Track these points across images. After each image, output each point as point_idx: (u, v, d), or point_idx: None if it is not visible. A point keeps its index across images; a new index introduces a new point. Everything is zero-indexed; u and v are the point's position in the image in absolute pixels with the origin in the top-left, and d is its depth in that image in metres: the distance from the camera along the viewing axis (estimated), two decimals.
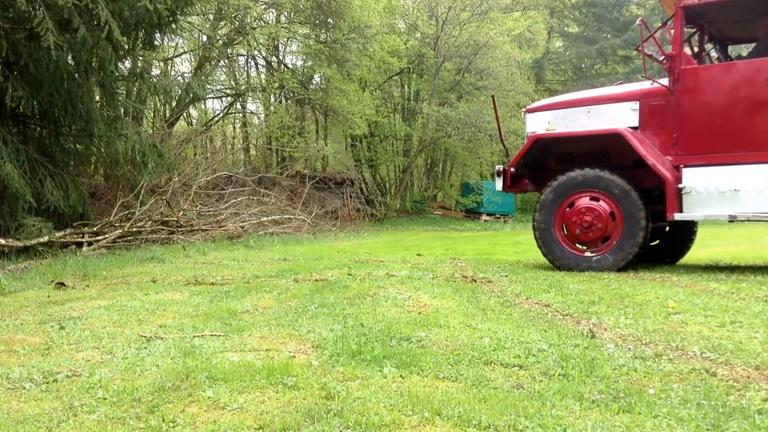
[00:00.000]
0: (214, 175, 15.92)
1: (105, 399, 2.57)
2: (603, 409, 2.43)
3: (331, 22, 20.16)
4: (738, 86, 5.72)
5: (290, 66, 22.97)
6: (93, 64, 9.05)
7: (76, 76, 9.14)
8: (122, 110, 12.04)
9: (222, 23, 18.80)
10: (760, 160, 5.50)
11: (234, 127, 24.08)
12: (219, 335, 3.61)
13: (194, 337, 3.57)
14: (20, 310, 4.51)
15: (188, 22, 16.12)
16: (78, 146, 10.79)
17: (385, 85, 25.28)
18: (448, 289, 4.93)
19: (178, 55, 19.74)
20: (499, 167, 6.94)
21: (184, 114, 20.12)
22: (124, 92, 12.57)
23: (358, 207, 21.44)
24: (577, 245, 6.25)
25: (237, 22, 18.23)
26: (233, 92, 21.17)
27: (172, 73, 19.35)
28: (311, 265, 6.82)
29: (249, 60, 22.22)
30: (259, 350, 3.27)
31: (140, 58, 13.18)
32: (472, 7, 23.35)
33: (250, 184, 16.53)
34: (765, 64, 5.64)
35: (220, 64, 20.02)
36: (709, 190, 5.68)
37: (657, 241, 7.20)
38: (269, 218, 14.31)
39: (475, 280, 5.43)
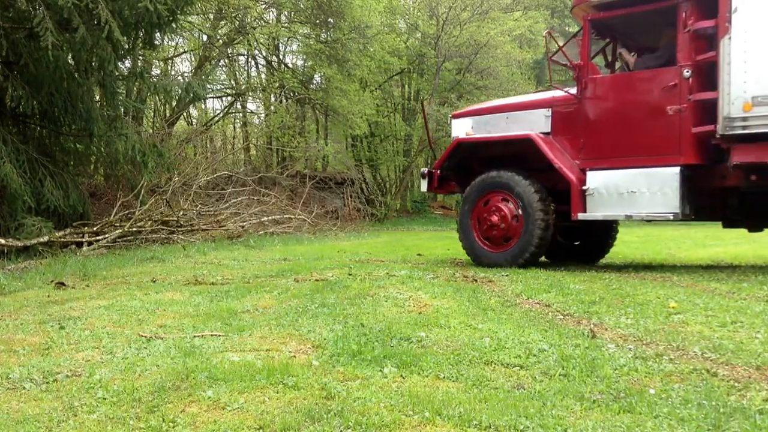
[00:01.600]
0: (214, 175, 15.91)
1: (105, 399, 2.56)
2: (604, 409, 2.43)
3: (332, 21, 20.15)
4: (636, 95, 6.08)
5: (290, 66, 22.97)
6: (93, 63, 9.05)
7: (76, 75, 9.14)
8: (122, 110, 12.03)
9: (222, 23, 18.79)
10: (653, 164, 5.83)
11: (234, 127, 24.09)
12: (219, 335, 3.61)
13: (194, 337, 3.57)
14: (20, 310, 4.51)
15: (188, 22, 16.11)
16: (78, 146, 10.79)
17: (386, 85, 25.28)
18: (448, 289, 4.92)
19: (178, 55, 19.73)
20: (424, 170, 7.46)
21: (185, 114, 20.11)
22: (124, 92, 12.56)
23: (359, 207, 21.43)
24: (487, 241, 6.72)
25: (237, 22, 18.22)
26: (233, 92, 21.16)
27: (172, 72, 19.33)
28: (311, 264, 6.82)
29: (249, 60, 22.23)
30: (259, 350, 3.26)
31: (140, 57, 13.18)
32: (472, 6, 23.35)
33: (250, 184, 16.53)
34: (660, 74, 5.97)
35: (220, 64, 20.03)
36: (609, 192, 6.03)
37: (578, 241, 7.67)
38: (269, 218, 14.31)
39: (476, 280, 5.43)
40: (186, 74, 19.30)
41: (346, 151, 24.30)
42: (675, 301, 4.30)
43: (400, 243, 11.02)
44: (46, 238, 8.42)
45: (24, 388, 2.74)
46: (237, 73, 21.68)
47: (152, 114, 19.22)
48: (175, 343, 3.40)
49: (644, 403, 2.46)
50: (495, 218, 6.57)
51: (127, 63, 12.24)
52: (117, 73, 9.98)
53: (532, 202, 6.32)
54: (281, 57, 22.97)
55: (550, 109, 6.63)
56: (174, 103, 17.73)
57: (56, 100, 9.16)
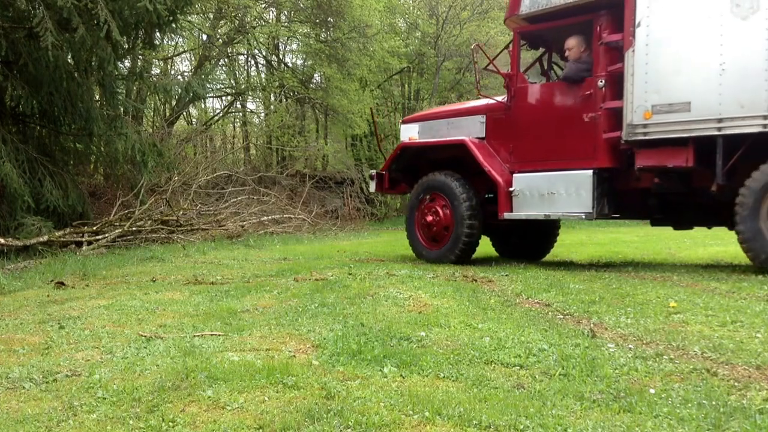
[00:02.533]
0: (214, 175, 15.91)
1: (105, 398, 2.56)
2: (604, 408, 2.43)
3: (332, 21, 20.14)
4: (556, 103, 6.52)
5: (290, 65, 22.95)
6: (92, 63, 9.05)
7: (76, 75, 9.14)
8: (122, 109, 12.02)
9: (222, 22, 18.79)
10: (571, 167, 6.27)
11: (234, 127, 24.07)
12: (219, 335, 3.61)
13: (194, 336, 3.56)
14: (20, 310, 4.50)
15: (188, 21, 16.10)
16: (78, 145, 10.79)
17: (386, 84, 25.26)
18: (448, 288, 4.91)
19: (177, 54, 19.71)
20: (372, 172, 7.94)
21: (184, 113, 20.10)
22: (124, 91, 12.55)
23: (359, 206, 21.41)
24: (424, 239, 7.27)
25: (237, 21, 18.22)
26: (233, 91, 21.15)
27: (172, 72, 19.32)
28: (311, 264, 6.82)
29: (249, 59, 22.21)
30: (259, 350, 3.26)
31: (140, 57, 13.16)
32: (472, 6, 23.33)
33: (250, 184, 16.52)
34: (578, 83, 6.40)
35: (220, 63, 19.99)
36: (532, 193, 6.50)
37: (527, 239, 8.13)
38: (269, 217, 14.30)
39: (476, 280, 5.42)
40: (186, 74, 19.32)
41: (346, 150, 24.28)
42: (675, 300, 4.30)
43: (400, 242, 11.00)
44: (45, 238, 8.42)
45: (24, 387, 2.73)
46: (237, 72, 21.67)
47: (152, 113, 19.21)
48: (174, 343, 3.39)
49: (644, 402, 2.46)
50: (431, 218, 7.09)
51: (127, 63, 12.23)
52: (117, 73, 9.98)
53: (461, 203, 6.81)
54: (281, 56, 22.96)
55: (484, 116, 7.06)
56: (174, 103, 17.73)
57: (56, 100, 9.16)
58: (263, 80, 21.86)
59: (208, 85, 16.25)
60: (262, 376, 2.77)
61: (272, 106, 22.25)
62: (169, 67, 19.36)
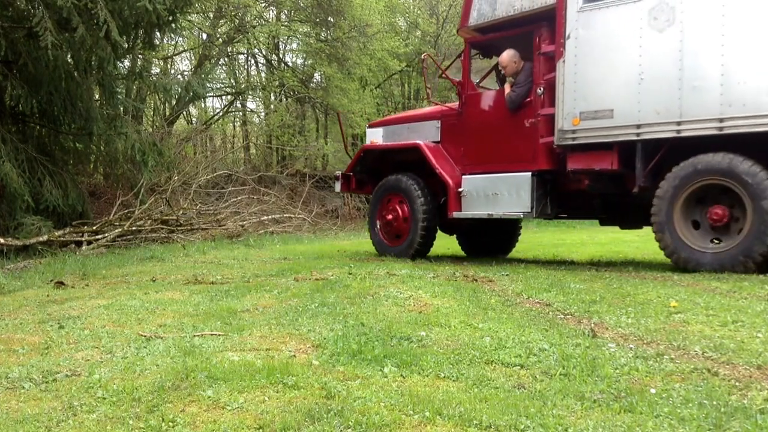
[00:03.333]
0: (214, 174, 15.90)
1: (104, 398, 2.56)
2: (604, 408, 2.42)
3: (332, 20, 20.13)
4: (499, 109, 6.90)
5: (290, 64, 22.93)
6: (92, 63, 9.04)
7: (75, 74, 9.14)
8: (122, 109, 12.01)
9: (222, 21, 18.78)
10: (512, 169, 6.68)
11: (234, 126, 24.06)
12: (219, 334, 3.60)
13: (194, 336, 3.56)
14: (19, 310, 4.49)
15: (188, 20, 16.09)
16: (77, 145, 10.79)
17: (385, 84, 25.24)
18: (449, 288, 4.90)
19: (177, 54, 19.70)
20: (338, 173, 8.47)
21: (184, 112, 20.11)
22: (124, 91, 12.55)
23: (359, 206, 21.40)
24: (385, 236, 7.76)
25: (237, 21, 18.21)
26: (233, 91, 21.14)
27: (172, 71, 19.31)
28: (312, 264, 6.80)
29: (249, 58, 22.21)
30: (259, 349, 3.25)
31: (140, 56, 13.14)
32: None
33: (250, 183, 16.52)
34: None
35: (220, 63, 19.98)
36: (478, 193, 6.92)
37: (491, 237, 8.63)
38: (269, 217, 14.30)
39: (476, 279, 5.40)
40: (186, 73, 19.30)
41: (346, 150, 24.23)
42: (676, 300, 4.28)
43: None
44: (45, 238, 8.42)
45: (23, 387, 2.73)
46: (237, 71, 21.66)
47: (152, 113, 19.21)
48: (174, 343, 3.38)
49: (645, 402, 2.46)
50: (391, 216, 7.58)
51: (127, 62, 12.21)
52: (116, 73, 9.97)
53: (416, 203, 7.28)
54: (281, 56, 22.95)
55: (439, 121, 7.51)
56: (174, 102, 17.72)
57: (55, 99, 9.15)
58: (263, 79, 21.86)
59: (208, 85, 16.25)
60: (262, 375, 2.76)
61: (272, 106, 22.24)
62: (169, 66, 19.36)
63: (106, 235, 9.58)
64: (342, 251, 9.30)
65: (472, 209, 6.96)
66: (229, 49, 19.74)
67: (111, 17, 7.86)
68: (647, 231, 10.98)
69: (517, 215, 6.72)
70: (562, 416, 2.34)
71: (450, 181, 7.06)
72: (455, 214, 7.07)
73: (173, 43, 17.71)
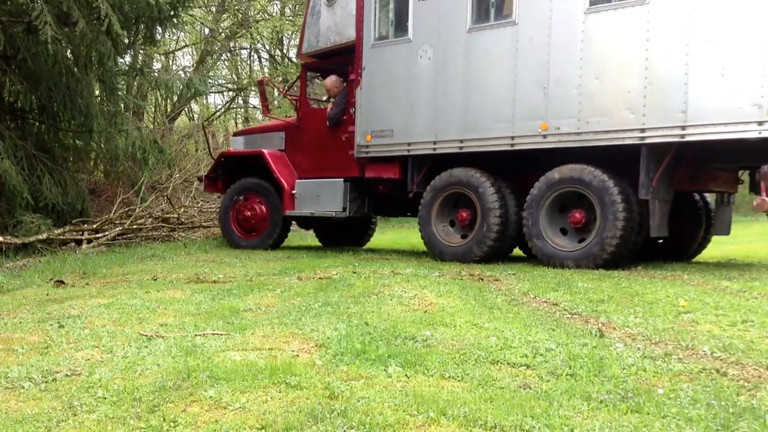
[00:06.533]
0: None
1: (105, 398, 2.54)
2: (611, 409, 2.41)
3: None
4: (324, 125, 8.12)
5: (294, 60, 22.86)
6: (92, 58, 9.00)
7: (75, 70, 9.10)
8: (122, 105, 11.97)
9: (225, 16, 18.71)
10: (329, 176, 7.97)
11: (236, 123, 24.03)
12: (221, 334, 3.58)
13: (196, 335, 3.53)
14: (19, 309, 4.46)
15: (190, 15, 16.04)
16: (77, 142, 10.74)
17: None
18: (454, 287, 4.85)
19: (179, 49, 19.67)
20: (200, 175, 9.72)
21: (186, 109, 20.07)
22: (125, 87, 12.51)
23: None
24: (240, 231, 8.79)
25: (240, 15, 18.15)
26: (235, 87, 21.09)
27: (174, 67, 19.30)
28: (315, 262, 6.75)
29: (252, 53, 22.15)
30: (261, 349, 3.23)
31: (141, 52, 13.10)
32: None
33: None
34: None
35: (222, 58, 19.93)
36: (306, 195, 8.15)
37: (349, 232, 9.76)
38: None
39: (482, 278, 5.35)
40: (187, 68, 19.26)
41: None
42: (685, 299, 4.24)
43: (405, 240, 10.96)
44: (44, 236, 8.38)
45: (23, 387, 2.71)
46: (239, 67, 21.61)
47: (153, 109, 19.17)
48: (176, 342, 3.36)
49: (652, 403, 2.44)
50: (249, 214, 8.64)
51: (128, 58, 12.17)
52: (117, 69, 9.93)
53: (273, 204, 8.45)
54: (285, 51, 22.89)
55: (284, 132, 8.69)
56: (175, 99, 17.68)
57: (55, 96, 9.10)
58: (266, 75, 21.79)
59: (210, 81, 16.20)
60: (264, 375, 2.74)
61: (275, 102, 22.17)
62: (170, 62, 19.33)
63: (107, 233, 9.55)
64: (346, 249, 9.25)
65: (301, 209, 8.21)
66: (232, 44, 19.69)
67: (112, 11, 7.81)
68: None
69: (331, 214, 7.98)
70: (568, 417, 2.33)
71: (285, 185, 8.22)
72: (288, 213, 8.30)
73: (175, 38, 17.69)
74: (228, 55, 20.16)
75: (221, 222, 9.10)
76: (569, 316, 3.95)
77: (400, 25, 7.27)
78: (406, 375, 2.80)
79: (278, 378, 2.71)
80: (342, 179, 7.85)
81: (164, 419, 2.31)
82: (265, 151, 8.49)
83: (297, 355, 3.11)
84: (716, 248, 8.85)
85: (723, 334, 3.41)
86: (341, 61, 7.97)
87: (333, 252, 8.26)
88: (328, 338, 3.39)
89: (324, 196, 7.98)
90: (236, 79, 21.31)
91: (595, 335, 3.41)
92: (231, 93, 21.48)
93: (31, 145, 9.27)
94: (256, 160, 8.61)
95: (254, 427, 2.25)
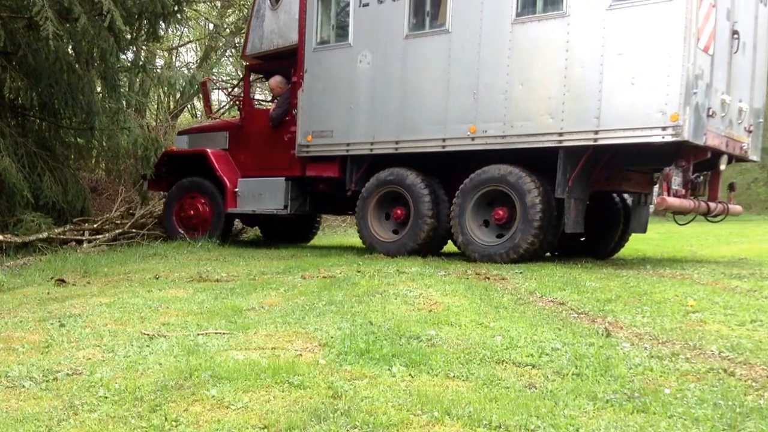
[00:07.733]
0: None
1: (106, 398, 2.53)
2: (617, 408, 2.40)
3: None
4: (267, 125, 8.36)
5: None
6: (94, 54, 8.95)
7: (77, 67, 9.04)
8: (125, 102, 11.91)
9: (230, 11, 18.60)
10: (271, 175, 8.18)
11: None
12: (223, 333, 3.56)
13: (198, 335, 3.51)
14: (19, 307, 4.44)
15: (194, 10, 15.95)
16: (79, 139, 10.69)
17: None
18: (460, 286, 4.81)
19: (183, 45, 19.56)
20: (144, 173, 9.76)
21: (189, 106, 20.00)
22: (127, 84, 12.47)
23: None
24: (183, 227, 9.00)
25: (245, 10, 18.00)
26: (240, 83, 20.97)
27: (177, 63, 19.20)
28: (319, 261, 6.70)
29: None
30: (264, 348, 3.22)
31: (144, 48, 13.04)
32: None
33: None
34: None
35: (226, 54, 19.82)
36: (249, 193, 8.35)
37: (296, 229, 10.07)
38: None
39: (488, 277, 5.31)
40: (191, 65, 19.17)
41: None
42: (694, 299, 4.21)
43: None
44: (45, 235, 8.33)
45: (23, 386, 2.70)
46: (244, 63, 21.45)
47: (156, 106, 19.11)
48: (178, 341, 3.34)
49: (659, 402, 2.43)
50: (192, 212, 8.90)
51: (130, 54, 12.13)
52: (119, 65, 9.89)
53: (214, 200, 8.68)
54: None
55: (227, 132, 8.90)
56: (178, 96, 17.62)
57: (56, 92, 9.04)
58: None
59: (214, 77, 16.10)
60: (267, 375, 2.73)
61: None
62: (173, 58, 19.25)
63: (108, 232, 9.52)
64: (350, 248, 9.21)
65: (243, 206, 8.40)
66: (237, 39, 19.57)
67: (114, 6, 7.75)
68: (669, 228, 10.94)
69: (273, 211, 8.17)
70: (573, 416, 2.32)
71: (228, 183, 8.41)
72: (230, 210, 8.50)
73: (178, 33, 17.61)
74: (233, 51, 20.05)
75: (165, 220, 9.25)
76: (576, 315, 3.92)
77: (341, 30, 7.57)
78: (410, 374, 2.78)
79: (281, 377, 2.69)
80: (284, 178, 8.05)
81: (166, 419, 2.30)
82: (209, 150, 8.70)
83: (300, 355, 3.10)
84: (727, 247, 8.82)
85: (731, 334, 3.39)
86: (284, 63, 8.17)
87: (337, 251, 8.23)
88: (331, 337, 3.37)
89: (266, 194, 8.19)
90: (241, 75, 21.19)
91: (602, 335, 3.39)
92: (236, 89, 21.36)
93: (32, 143, 9.22)
94: (199, 160, 8.77)
95: (257, 426, 2.24)
